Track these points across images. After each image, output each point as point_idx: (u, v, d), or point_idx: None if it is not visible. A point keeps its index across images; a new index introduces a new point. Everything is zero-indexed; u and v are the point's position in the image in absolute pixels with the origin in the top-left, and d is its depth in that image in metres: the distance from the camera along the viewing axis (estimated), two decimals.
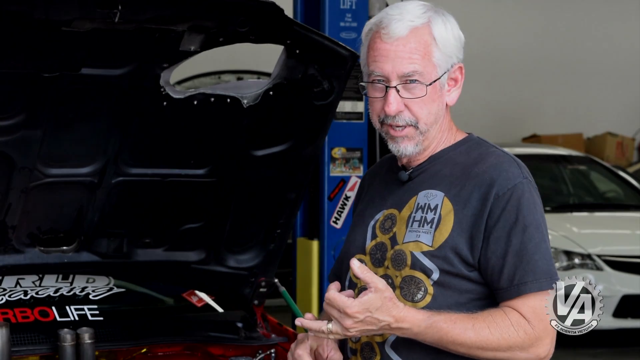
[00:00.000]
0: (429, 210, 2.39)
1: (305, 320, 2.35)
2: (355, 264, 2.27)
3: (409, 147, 2.42)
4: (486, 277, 2.35)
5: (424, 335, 2.30)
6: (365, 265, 2.47)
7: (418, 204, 2.42)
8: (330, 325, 2.30)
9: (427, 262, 2.35)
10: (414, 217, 2.40)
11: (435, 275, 2.34)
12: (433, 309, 2.33)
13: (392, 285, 2.39)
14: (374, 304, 2.25)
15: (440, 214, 2.37)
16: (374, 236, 2.48)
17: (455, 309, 2.33)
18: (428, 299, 2.35)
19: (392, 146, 2.44)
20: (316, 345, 2.48)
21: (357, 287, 2.43)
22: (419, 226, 2.39)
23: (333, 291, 2.29)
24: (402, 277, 2.38)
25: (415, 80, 2.36)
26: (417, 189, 2.44)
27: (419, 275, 2.36)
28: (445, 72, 2.39)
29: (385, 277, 2.41)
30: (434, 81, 2.37)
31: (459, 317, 2.30)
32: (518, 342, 2.29)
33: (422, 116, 2.39)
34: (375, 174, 2.63)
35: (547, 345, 2.32)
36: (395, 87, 2.36)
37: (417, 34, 2.36)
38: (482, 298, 2.36)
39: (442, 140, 2.47)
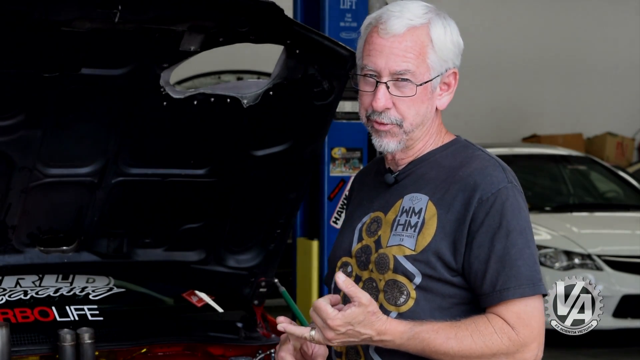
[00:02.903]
0: (413, 214, 2.37)
1: (289, 326, 2.34)
2: (340, 278, 2.26)
3: (391, 144, 2.40)
4: (470, 282, 2.33)
5: (407, 347, 2.29)
6: (352, 268, 2.47)
7: (403, 207, 2.40)
8: (313, 333, 2.29)
9: (409, 266, 2.34)
10: (399, 220, 2.39)
11: (418, 280, 2.33)
12: (416, 313, 2.32)
13: (376, 289, 2.38)
14: (357, 318, 2.25)
15: (424, 218, 2.35)
16: (360, 239, 2.47)
17: (439, 314, 2.32)
18: (411, 303, 2.34)
19: (375, 141, 2.43)
20: (300, 343, 2.47)
21: (341, 292, 2.42)
22: (402, 230, 2.37)
23: (321, 300, 2.28)
24: (385, 281, 2.37)
25: (407, 79, 2.35)
26: (403, 192, 2.43)
27: (402, 279, 2.35)
28: (438, 76, 2.38)
29: (369, 280, 2.41)
30: (426, 82, 2.36)
31: (441, 327, 2.28)
32: (502, 349, 2.27)
33: (408, 116, 2.38)
34: (365, 176, 2.62)
35: (534, 350, 2.30)
36: (385, 83, 2.36)
37: (414, 34, 2.35)
38: (466, 303, 2.35)
39: (430, 143, 2.45)
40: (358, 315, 2.24)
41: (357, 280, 2.43)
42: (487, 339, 2.27)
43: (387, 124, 2.38)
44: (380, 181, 2.50)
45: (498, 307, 2.29)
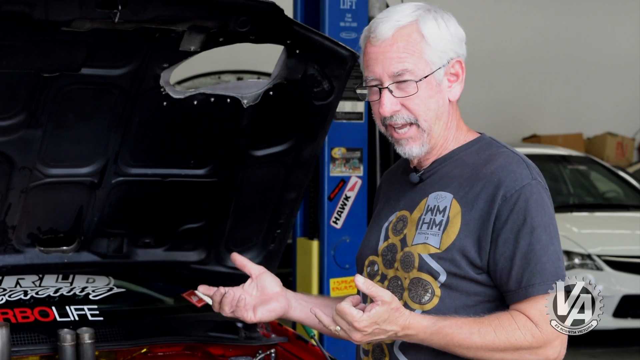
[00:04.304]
0: (437, 212, 2.39)
1: (319, 312, 2.35)
2: (359, 281, 2.27)
3: (414, 149, 2.42)
4: (495, 279, 2.34)
5: (430, 341, 2.30)
6: (378, 267, 2.48)
7: (428, 205, 2.41)
8: (338, 328, 2.31)
9: (434, 264, 2.35)
10: (424, 219, 2.41)
11: (443, 278, 2.34)
12: (441, 311, 2.34)
13: (401, 287, 2.40)
14: (382, 316, 2.26)
15: (448, 216, 2.36)
16: (386, 237, 2.49)
17: (463, 312, 2.33)
18: (435, 301, 2.36)
19: (398, 149, 2.45)
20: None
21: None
22: (427, 228, 2.39)
23: (344, 303, 2.28)
24: (410, 279, 2.38)
25: (406, 79, 2.36)
26: (428, 190, 2.44)
27: (426, 277, 2.36)
28: (440, 68, 2.38)
29: (394, 278, 2.42)
30: (426, 77, 2.37)
31: (464, 322, 2.29)
32: (525, 345, 2.29)
33: (420, 113, 2.39)
34: (392, 175, 2.64)
35: (557, 347, 2.32)
36: (387, 87, 2.37)
37: (403, 33, 2.36)
38: (490, 300, 2.36)
39: (451, 139, 2.46)
40: (383, 313, 2.25)
41: (383, 278, 2.46)
42: (510, 335, 2.28)
43: (401, 125, 2.39)
44: (406, 180, 2.52)
45: (522, 303, 2.31)
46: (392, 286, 2.42)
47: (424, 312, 2.36)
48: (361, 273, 2.53)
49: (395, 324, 2.27)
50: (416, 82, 2.36)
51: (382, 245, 2.49)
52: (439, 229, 2.37)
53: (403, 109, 2.38)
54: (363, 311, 2.26)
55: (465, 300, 2.35)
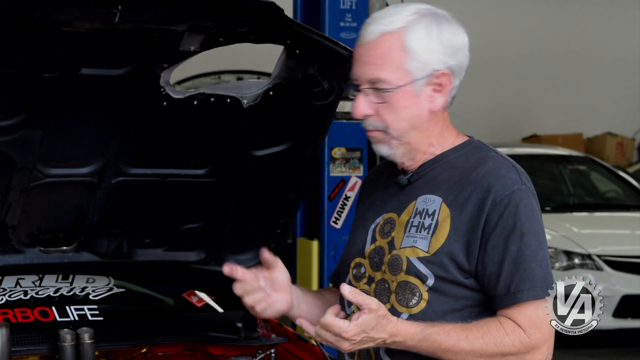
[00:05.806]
0: (426, 216, 2.37)
1: (305, 323, 2.34)
2: (345, 289, 2.25)
3: (383, 149, 2.41)
4: (483, 284, 2.33)
5: (418, 348, 2.29)
6: (365, 269, 2.47)
7: (417, 209, 2.40)
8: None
9: (422, 267, 2.34)
10: (412, 222, 2.39)
11: (430, 281, 2.33)
12: (428, 315, 2.32)
13: (388, 290, 2.39)
14: (370, 324, 2.24)
15: (437, 220, 2.35)
16: (373, 240, 2.47)
17: (450, 315, 2.32)
18: (423, 304, 2.34)
19: (372, 146, 2.45)
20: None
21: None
22: (416, 231, 2.37)
23: (329, 316, 2.26)
24: (397, 282, 2.37)
25: (380, 87, 2.34)
26: (416, 193, 2.42)
27: (414, 280, 2.35)
28: (419, 79, 2.34)
29: (382, 281, 2.41)
30: (400, 87, 2.33)
31: (452, 328, 2.28)
32: (513, 351, 2.28)
33: (390, 122, 2.36)
34: (378, 176, 2.61)
35: (544, 353, 2.32)
36: (364, 90, 2.36)
37: (386, 40, 2.33)
38: (478, 305, 2.35)
39: (436, 145, 2.43)
40: (370, 321, 2.24)
41: (370, 281, 2.44)
42: (498, 341, 2.28)
43: (371, 131, 2.39)
44: (394, 182, 2.49)
45: (510, 309, 2.30)
46: (379, 289, 2.40)
47: (411, 315, 2.34)
48: (346, 275, 2.51)
49: (383, 331, 2.26)
50: (390, 91, 2.34)
51: (369, 247, 2.47)
52: (428, 233, 2.35)
53: (376, 116, 2.37)
54: (348, 320, 2.24)
55: (453, 304, 2.34)
